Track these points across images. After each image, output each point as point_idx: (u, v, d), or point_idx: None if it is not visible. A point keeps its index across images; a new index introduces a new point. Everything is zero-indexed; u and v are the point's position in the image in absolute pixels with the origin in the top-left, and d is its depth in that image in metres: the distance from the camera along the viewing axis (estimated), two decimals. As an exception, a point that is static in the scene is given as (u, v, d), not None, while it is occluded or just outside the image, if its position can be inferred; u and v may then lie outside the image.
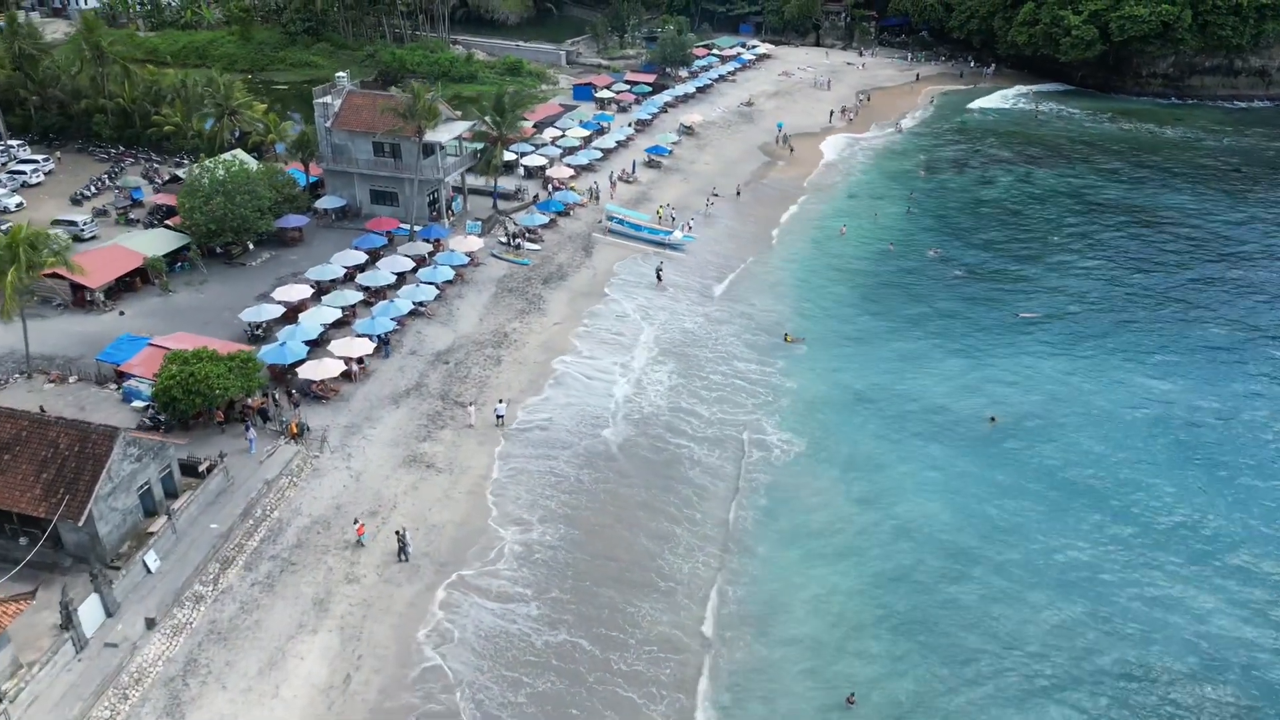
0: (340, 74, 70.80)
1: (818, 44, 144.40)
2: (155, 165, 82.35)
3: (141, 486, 37.53)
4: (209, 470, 40.07)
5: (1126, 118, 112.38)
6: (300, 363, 48.78)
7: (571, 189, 78.96)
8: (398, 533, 39.20)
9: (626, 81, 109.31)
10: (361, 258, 61.70)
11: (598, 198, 78.74)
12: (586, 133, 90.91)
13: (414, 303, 56.90)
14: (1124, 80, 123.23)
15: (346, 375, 50.06)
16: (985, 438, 51.37)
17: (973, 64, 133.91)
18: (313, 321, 52.65)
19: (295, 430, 44.17)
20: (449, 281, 60.83)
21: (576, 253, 70.00)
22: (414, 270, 61.32)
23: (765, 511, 45.16)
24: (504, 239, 68.97)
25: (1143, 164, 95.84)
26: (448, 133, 68.84)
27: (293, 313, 55.14)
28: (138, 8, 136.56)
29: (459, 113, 73.30)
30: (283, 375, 49.29)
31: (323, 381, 48.41)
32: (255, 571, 37.52)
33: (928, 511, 45.21)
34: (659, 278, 66.99)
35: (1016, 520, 44.84)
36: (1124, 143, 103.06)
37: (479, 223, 70.16)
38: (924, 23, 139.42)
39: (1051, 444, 50.76)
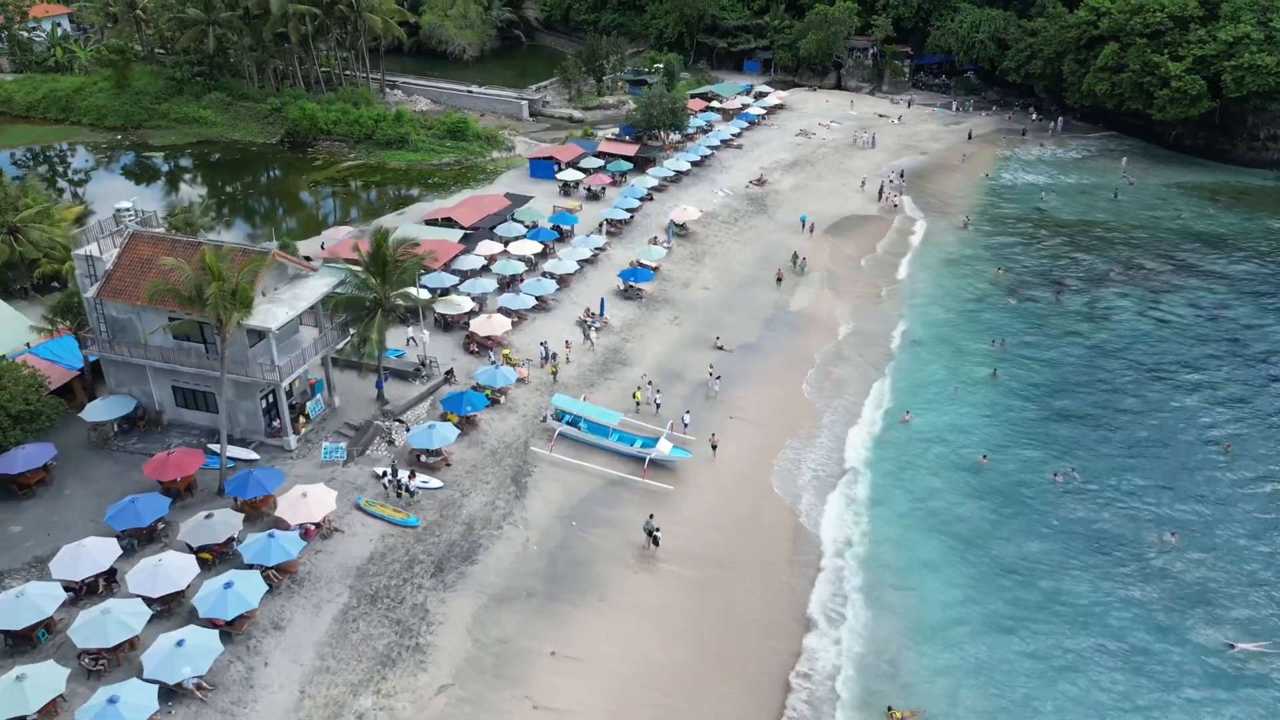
0: (123, 204, 44.34)
1: (838, 86, 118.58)
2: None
3: None
4: None
5: (1252, 203, 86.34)
6: None
7: (505, 355, 52.85)
8: None
9: (600, 154, 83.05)
10: (108, 556, 35.44)
11: (553, 366, 52.60)
12: (538, 246, 64.69)
13: (168, 686, 30.69)
14: (1233, 144, 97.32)
15: None
16: None
17: (1035, 116, 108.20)
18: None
19: None
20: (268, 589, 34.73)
21: (501, 489, 43.82)
22: (198, 578, 35.07)
23: None
24: (384, 472, 42.75)
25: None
26: (291, 304, 42.76)
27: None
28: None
29: (316, 264, 47.20)
30: None
31: None
32: None
33: None
34: (653, 541, 41.07)
35: None
36: (1270, 240, 77.08)
37: (342, 445, 43.85)
38: (970, 62, 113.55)
39: None
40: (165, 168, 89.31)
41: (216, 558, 36.84)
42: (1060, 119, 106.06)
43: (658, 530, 41.31)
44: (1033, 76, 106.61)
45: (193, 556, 35.55)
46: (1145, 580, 41.25)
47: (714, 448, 47.55)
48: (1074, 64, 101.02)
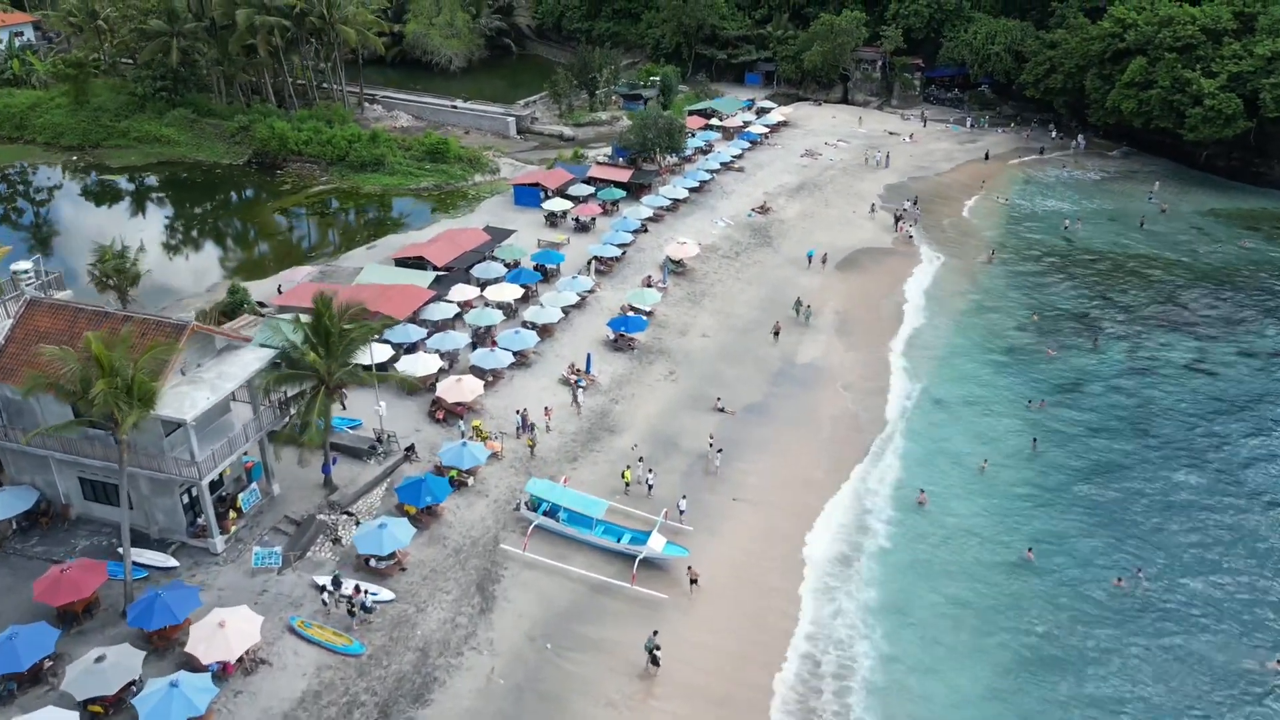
0: (21, 265, 37.96)
1: (845, 100, 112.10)
2: None
3: None
4: None
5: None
6: None
7: (476, 427, 46.35)
8: None
9: (590, 180, 76.49)
10: (-27, 714, 29.11)
11: (530, 439, 46.12)
12: (519, 291, 58.19)
13: None
14: (1271, 166, 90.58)
15: None
16: None
17: (1055, 134, 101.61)
18: None
19: None
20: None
21: (464, 600, 37.30)
22: (86, 741, 28.65)
23: None
24: (323, 585, 36.21)
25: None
26: (215, 386, 36.24)
27: None
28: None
29: (249, 333, 40.71)
30: None
31: None
32: None
33: None
34: (653, 662, 34.69)
35: None
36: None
37: (277, 549, 37.30)
38: (985, 75, 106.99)
39: None
40: (128, 189, 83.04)
41: (110, 709, 30.35)
42: (1081, 137, 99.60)
43: (658, 649, 34.85)
44: (1052, 91, 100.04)
45: (77, 713, 29.08)
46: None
47: (693, 582, 38.66)
48: (1097, 79, 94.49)
